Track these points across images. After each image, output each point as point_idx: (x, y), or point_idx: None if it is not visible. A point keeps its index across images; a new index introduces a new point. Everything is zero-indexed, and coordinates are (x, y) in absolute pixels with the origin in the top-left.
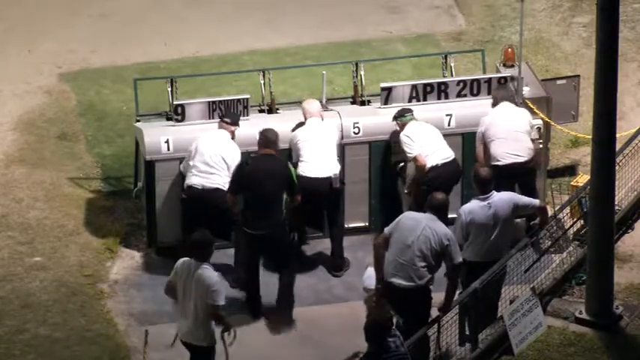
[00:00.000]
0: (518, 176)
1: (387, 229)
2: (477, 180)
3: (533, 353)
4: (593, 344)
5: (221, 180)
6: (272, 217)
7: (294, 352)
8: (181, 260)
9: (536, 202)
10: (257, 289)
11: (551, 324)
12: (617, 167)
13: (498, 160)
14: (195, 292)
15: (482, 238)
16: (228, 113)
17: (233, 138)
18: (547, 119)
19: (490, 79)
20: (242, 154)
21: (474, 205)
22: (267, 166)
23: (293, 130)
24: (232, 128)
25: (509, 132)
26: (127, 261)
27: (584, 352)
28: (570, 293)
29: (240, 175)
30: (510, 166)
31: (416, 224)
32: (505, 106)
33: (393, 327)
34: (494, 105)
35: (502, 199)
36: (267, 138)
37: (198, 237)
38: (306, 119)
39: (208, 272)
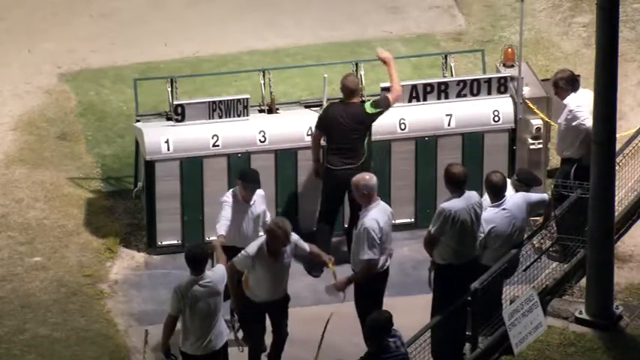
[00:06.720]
0: None
1: (435, 230)
2: (490, 186)
3: (533, 353)
4: (593, 344)
5: None
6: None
7: (293, 352)
8: (179, 288)
9: (545, 196)
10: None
11: (551, 324)
12: (617, 167)
13: None
14: (214, 301)
15: (504, 245)
16: None
17: None
18: (547, 119)
19: (490, 79)
20: (242, 154)
21: (492, 214)
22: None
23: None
24: None
25: None
26: (127, 261)
27: (584, 352)
28: (570, 293)
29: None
30: None
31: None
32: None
33: (393, 327)
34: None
35: (516, 202)
36: (347, 87)
37: (197, 251)
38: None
39: (210, 277)
